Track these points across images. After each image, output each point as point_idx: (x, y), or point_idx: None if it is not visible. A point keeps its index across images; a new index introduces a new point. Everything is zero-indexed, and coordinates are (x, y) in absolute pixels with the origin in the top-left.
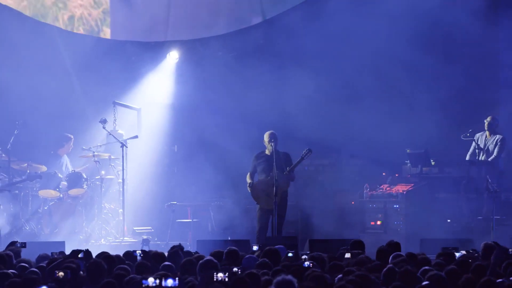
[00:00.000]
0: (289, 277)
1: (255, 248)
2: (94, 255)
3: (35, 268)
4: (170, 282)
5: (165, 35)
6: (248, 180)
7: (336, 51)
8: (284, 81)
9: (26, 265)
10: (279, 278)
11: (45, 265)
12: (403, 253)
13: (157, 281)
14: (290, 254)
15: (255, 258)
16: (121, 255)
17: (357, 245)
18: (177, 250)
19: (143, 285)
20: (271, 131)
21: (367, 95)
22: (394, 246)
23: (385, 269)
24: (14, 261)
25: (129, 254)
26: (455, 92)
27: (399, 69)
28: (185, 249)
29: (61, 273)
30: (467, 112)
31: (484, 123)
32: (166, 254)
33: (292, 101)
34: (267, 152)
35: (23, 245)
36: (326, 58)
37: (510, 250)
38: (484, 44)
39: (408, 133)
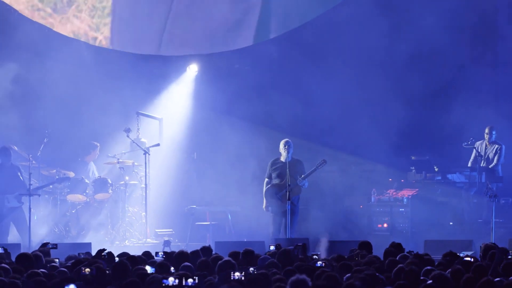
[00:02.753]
0: (303, 276)
1: (272, 248)
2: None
3: (63, 267)
4: (190, 281)
5: (157, 49)
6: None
7: (356, 62)
8: (297, 91)
9: (55, 264)
10: (293, 277)
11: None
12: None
13: (177, 280)
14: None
15: (270, 259)
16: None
17: (365, 246)
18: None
19: (164, 284)
20: (286, 139)
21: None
22: (396, 246)
23: (395, 268)
24: (44, 261)
25: (147, 254)
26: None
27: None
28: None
29: (87, 270)
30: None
31: (484, 133)
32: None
33: (303, 109)
34: (282, 159)
35: (55, 246)
36: (347, 70)
37: (510, 252)
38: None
39: (413, 140)
